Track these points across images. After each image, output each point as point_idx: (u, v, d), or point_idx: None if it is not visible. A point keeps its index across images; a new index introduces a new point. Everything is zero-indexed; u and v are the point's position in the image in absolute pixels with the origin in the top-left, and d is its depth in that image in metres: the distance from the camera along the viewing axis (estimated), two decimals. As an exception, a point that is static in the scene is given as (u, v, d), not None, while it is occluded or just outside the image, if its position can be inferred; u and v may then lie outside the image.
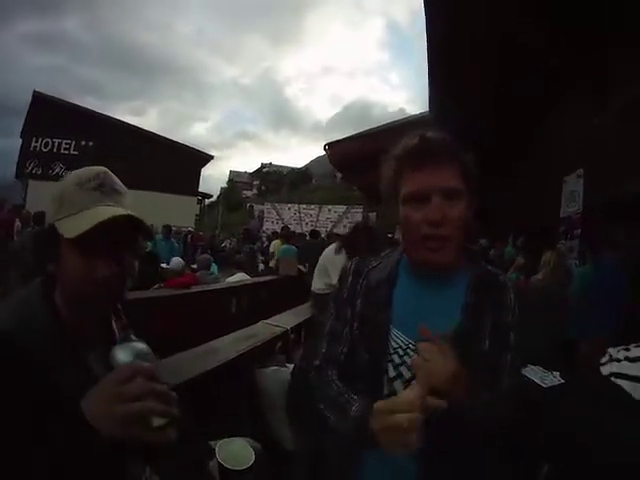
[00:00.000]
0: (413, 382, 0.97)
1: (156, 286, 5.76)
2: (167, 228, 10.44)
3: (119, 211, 1.01)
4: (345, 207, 23.52)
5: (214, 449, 1.26)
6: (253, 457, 1.23)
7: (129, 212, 1.03)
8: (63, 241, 0.99)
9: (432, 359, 0.95)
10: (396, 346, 1.14)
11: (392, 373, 1.14)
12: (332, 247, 4.79)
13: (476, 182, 1.14)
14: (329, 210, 23.67)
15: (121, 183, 1.12)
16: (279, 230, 15.24)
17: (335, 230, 19.96)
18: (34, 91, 24.96)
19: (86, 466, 0.87)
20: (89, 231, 0.95)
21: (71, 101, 27.06)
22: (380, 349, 1.15)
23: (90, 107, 27.90)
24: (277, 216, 24.07)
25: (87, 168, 1.09)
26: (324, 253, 4.94)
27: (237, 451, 1.24)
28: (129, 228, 1.04)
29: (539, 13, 5.26)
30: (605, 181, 5.10)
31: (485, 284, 1.18)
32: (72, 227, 0.97)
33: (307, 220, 23.37)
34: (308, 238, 11.71)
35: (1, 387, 0.83)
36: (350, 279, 1.28)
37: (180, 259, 6.70)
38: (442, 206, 1.07)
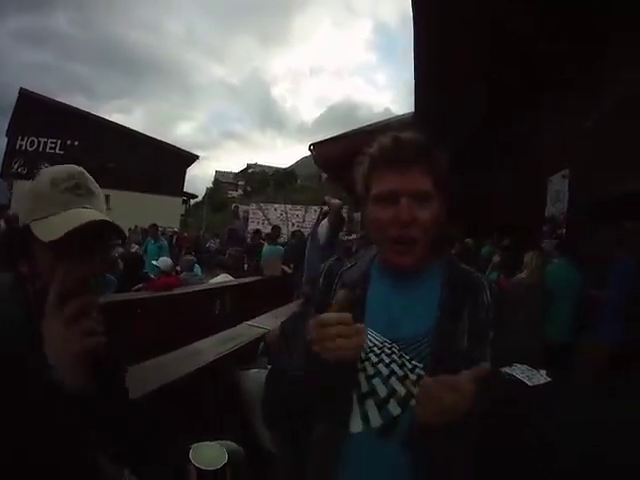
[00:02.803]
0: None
1: (139, 285, 5.72)
2: (154, 228, 10.32)
3: (95, 215, 1.02)
4: (331, 208, 23.45)
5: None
6: (226, 458, 1.25)
7: (105, 217, 1.04)
8: (37, 243, 0.99)
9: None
10: (371, 345, 1.12)
11: (370, 371, 1.12)
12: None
13: (449, 184, 1.15)
14: (315, 211, 23.61)
15: (96, 184, 1.12)
16: (263, 230, 15.22)
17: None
18: (21, 89, 24.83)
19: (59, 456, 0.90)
20: (64, 235, 0.95)
21: (58, 99, 26.98)
22: None
23: (77, 105, 27.93)
24: (263, 217, 23.98)
25: (62, 166, 1.09)
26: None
27: (211, 453, 1.27)
28: (103, 231, 1.06)
29: (528, 16, 5.31)
30: (590, 182, 5.15)
31: (459, 282, 1.18)
32: (47, 230, 0.98)
33: (293, 221, 23.30)
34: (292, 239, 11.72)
35: None
36: (321, 280, 1.29)
37: (168, 259, 6.61)
38: (411, 208, 1.07)
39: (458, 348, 1.10)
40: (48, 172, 1.07)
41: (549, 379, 2.89)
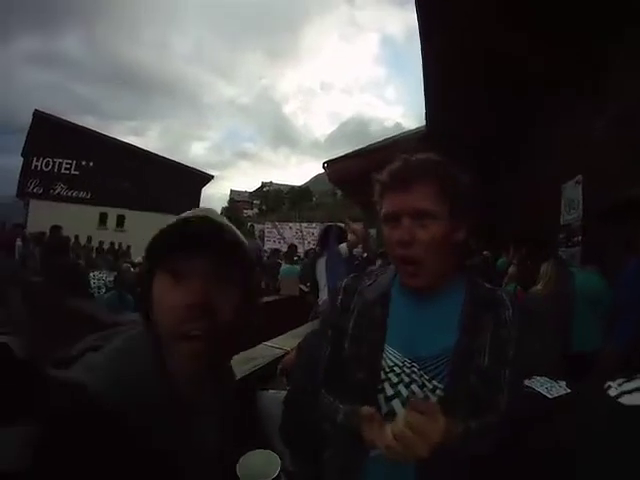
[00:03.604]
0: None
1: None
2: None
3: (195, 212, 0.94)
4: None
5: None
6: (278, 468, 1.07)
7: (205, 213, 0.93)
8: (155, 275, 0.89)
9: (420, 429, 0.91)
10: (392, 364, 1.14)
11: (390, 392, 1.13)
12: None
13: (465, 202, 1.16)
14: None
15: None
16: (280, 249, 15.22)
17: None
18: (35, 110, 25.27)
19: None
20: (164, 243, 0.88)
21: (71, 120, 27.41)
22: (375, 368, 1.15)
23: (90, 126, 28.23)
24: (278, 235, 24.01)
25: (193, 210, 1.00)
26: None
27: (260, 464, 1.08)
28: (221, 252, 0.89)
29: (535, 23, 5.30)
30: (605, 187, 5.08)
31: (481, 300, 1.17)
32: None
33: (309, 239, 23.27)
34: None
35: (104, 455, 0.70)
36: (341, 297, 1.29)
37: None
38: (411, 227, 1.10)
39: (479, 367, 1.09)
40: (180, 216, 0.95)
41: (569, 390, 2.84)
